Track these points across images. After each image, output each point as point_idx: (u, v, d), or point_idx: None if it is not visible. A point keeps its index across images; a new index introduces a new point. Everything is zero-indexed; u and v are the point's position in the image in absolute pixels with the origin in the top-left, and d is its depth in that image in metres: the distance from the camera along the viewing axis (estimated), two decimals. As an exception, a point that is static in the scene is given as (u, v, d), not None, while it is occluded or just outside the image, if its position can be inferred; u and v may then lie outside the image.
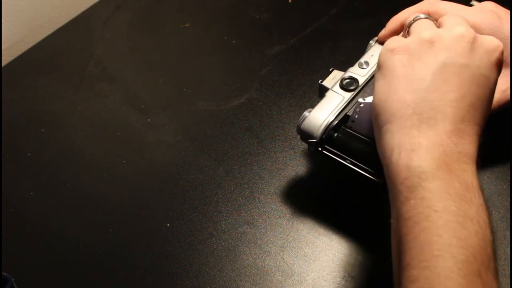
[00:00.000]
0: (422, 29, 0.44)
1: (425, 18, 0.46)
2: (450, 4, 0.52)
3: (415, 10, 0.51)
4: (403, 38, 0.44)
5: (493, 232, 0.37)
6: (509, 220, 0.52)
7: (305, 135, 0.51)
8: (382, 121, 0.42)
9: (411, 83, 0.41)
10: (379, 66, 0.44)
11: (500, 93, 0.50)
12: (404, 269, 0.36)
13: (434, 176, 0.37)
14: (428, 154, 0.38)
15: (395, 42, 0.43)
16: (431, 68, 0.41)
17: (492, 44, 0.42)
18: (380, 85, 0.43)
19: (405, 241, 0.37)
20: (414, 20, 0.46)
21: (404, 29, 0.47)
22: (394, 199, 0.39)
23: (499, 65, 0.42)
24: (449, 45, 0.41)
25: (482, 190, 0.38)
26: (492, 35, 0.49)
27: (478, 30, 0.50)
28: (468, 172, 0.38)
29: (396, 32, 0.53)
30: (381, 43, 0.55)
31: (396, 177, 0.39)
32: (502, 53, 0.43)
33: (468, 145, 0.39)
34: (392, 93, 0.41)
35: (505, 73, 0.51)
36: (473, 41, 0.42)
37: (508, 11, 0.52)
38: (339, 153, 0.50)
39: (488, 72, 0.41)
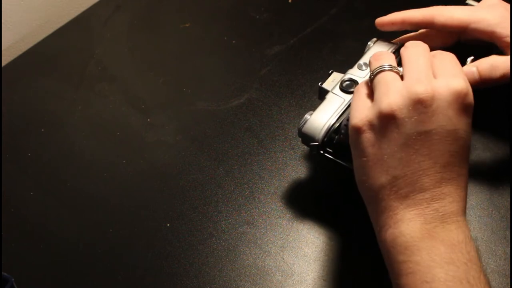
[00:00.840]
0: (381, 96, 0.42)
1: (389, 70, 0.43)
2: (457, 7, 0.52)
3: (421, 13, 0.52)
4: (366, 107, 0.43)
5: (488, 282, 0.38)
6: (509, 220, 0.52)
7: (307, 138, 0.51)
8: (366, 201, 0.44)
9: (382, 164, 0.41)
10: (351, 144, 0.44)
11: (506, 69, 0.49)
12: None
13: (418, 248, 0.39)
14: (410, 228, 0.40)
15: (359, 117, 0.43)
16: (397, 143, 0.41)
17: (454, 94, 0.40)
18: (356, 166, 0.44)
19: None
20: (376, 73, 0.44)
21: (369, 76, 0.46)
22: (391, 269, 0.41)
23: (468, 110, 0.41)
24: (408, 116, 0.40)
25: (470, 240, 0.39)
26: (501, 23, 0.49)
27: (487, 22, 0.50)
28: (452, 231, 0.39)
29: (394, 24, 0.54)
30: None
31: (387, 252, 0.41)
32: (467, 93, 0.41)
33: (451, 204, 0.40)
34: (367, 177, 0.42)
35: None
36: (432, 102, 0.40)
37: (508, 5, 0.52)
38: (340, 155, 0.50)
39: (455, 125, 0.40)
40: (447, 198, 0.40)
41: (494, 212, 0.52)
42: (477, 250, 0.39)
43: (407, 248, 0.39)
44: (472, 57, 0.51)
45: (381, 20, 0.54)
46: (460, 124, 0.41)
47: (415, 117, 0.40)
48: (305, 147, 0.57)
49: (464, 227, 0.40)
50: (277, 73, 0.67)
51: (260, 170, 0.58)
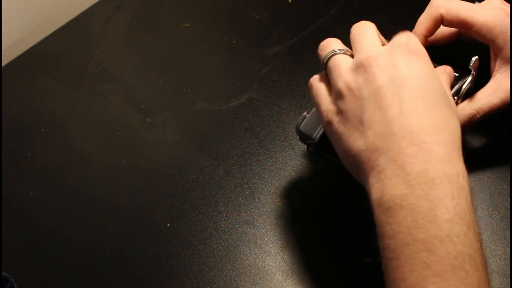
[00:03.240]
0: (336, 79, 0.44)
1: (339, 53, 0.46)
2: (460, 2, 0.52)
3: (428, 17, 0.52)
4: (325, 100, 0.45)
5: (479, 233, 0.37)
6: (509, 220, 0.52)
7: (304, 136, 0.51)
8: (354, 175, 0.44)
9: (354, 131, 0.42)
10: (327, 134, 0.46)
11: (506, 92, 0.50)
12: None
13: (401, 206, 0.38)
14: (392, 185, 0.39)
15: (323, 112, 0.45)
16: (360, 109, 0.42)
17: (396, 47, 0.43)
18: (336, 148, 0.45)
19: (386, 275, 0.39)
20: (328, 58, 0.47)
21: (323, 68, 0.48)
22: (379, 228, 0.41)
23: (416, 52, 0.42)
24: (358, 81, 0.42)
25: (459, 192, 0.38)
26: (503, 33, 0.50)
27: (489, 29, 0.50)
28: (437, 184, 0.38)
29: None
30: None
31: (375, 215, 0.40)
32: (408, 44, 0.43)
33: (435, 161, 0.38)
34: (347, 151, 0.43)
35: (509, 72, 0.51)
36: (375, 63, 0.42)
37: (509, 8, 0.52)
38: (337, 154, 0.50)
39: (406, 70, 0.41)
40: (431, 153, 0.38)
41: (494, 212, 0.52)
42: (472, 200, 0.38)
43: (389, 210, 0.38)
44: (477, 57, 0.51)
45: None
46: (413, 67, 0.41)
47: (367, 79, 0.42)
48: (305, 147, 0.57)
49: (453, 179, 0.38)
50: (277, 73, 0.67)
51: (260, 170, 0.58)
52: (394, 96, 0.40)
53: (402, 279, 0.37)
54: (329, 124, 0.44)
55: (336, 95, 0.44)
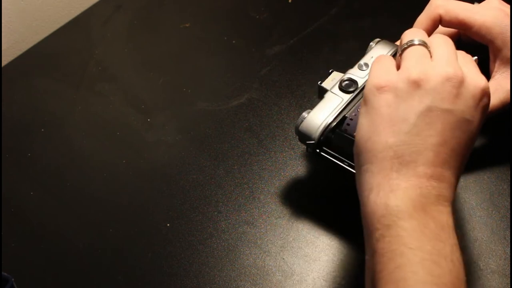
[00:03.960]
0: (412, 65, 0.42)
1: (419, 44, 0.44)
2: (459, 3, 0.52)
3: (427, 17, 0.52)
4: (391, 72, 0.43)
5: (466, 272, 0.38)
6: (509, 220, 0.52)
7: (303, 136, 0.51)
8: (363, 160, 0.42)
9: (394, 124, 0.41)
10: (364, 101, 0.43)
11: (505, 93, 0.50)
12: None
13: (410, 215, 0.38)
14: (406, 195, 0.39)
15: (382, 78, 0.42)
16: (415, 110, 0.40)
17: (479, 89, 0.41)
18: (363, 122, 0.43)
19: (379, 277, 0.38)
20: (408, 46, 0.44)
21: (398, 51, 0.46)
22: (369, 236, 0.40)
23: (484, 109, 0.42)
24: (435, 89, 0.41)
25: (456, 230, 0.39)
26: (502, 33, 0.50)
27: (488, 29, 0.50)
28: (444, 213, 0.39)
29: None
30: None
31: (373, 215, 0.40)
32: (488, 96, 0.42)
33: (447, 188, 0.40)
34: (374, 134, 0.41)
35: (508, 73, 0.51)
36: (459, 85, 0.41)
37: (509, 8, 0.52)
38: (336, 154, 0.50)
39: (472, 117, 0.41)
40: (446, 182, 0.40)
41: (494, 212, 0.52)
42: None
43: (397, 214, 0.38)
44: (476, 57, 0.51)
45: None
46: (476, 118, 0.41)
47: (441, 94, 0.40)
48: (305, 147, 0.57)
49: (452, 215, 0.40)
50: (277, 73, 0.67)
51: (260, 170, 0.58)
52: (449, 128, 0.40)
53: (403, 279, 0.36)
54: (379, 90, 0.42)
55: (404, 78, 0.42)
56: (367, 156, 0.41)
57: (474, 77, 0.42)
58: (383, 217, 0.39)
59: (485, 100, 0.42)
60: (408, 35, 0.45)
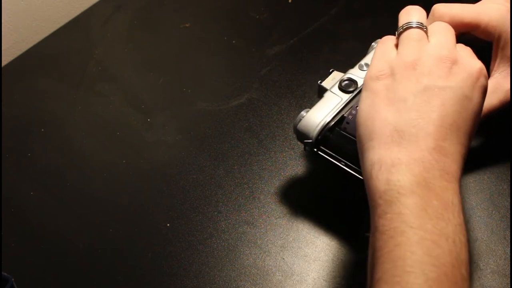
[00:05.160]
0: (408, 50, 0.44)
1: (416, 27, 0.45)
2: (461, 6, 0.52)
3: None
4: (390, 58, 0.44)
5: (469, 253, 0.37)
6: (509, 220, 0.52)
7: (301, 135, 0.51)
8: (365, 138, 0.42)
9: (393, 103, 0.41)
10: (364, 87, 0.44)
11: (504, 93, 0.50)
12: (376, 283, 0.37)
13: (412, 192, 0.38)
14: (408, 169, 0.39)
15: (381, 66, 0.44)
16: (412, 90, 0.41)
17: (475, 68, 0.42)
18: (363, 105, 0.43)
19: (378, 255, 0.37)
20: (404, 29, 0.46)
21: (396, 34, 0.47)
22: (372, 212, 0.40)
23: (483, 89, 0.43)
24: (430, 70, 0.42)
25: (462, 209, 0.39)
26: (505, 31, 0.49)
27: (494, 27, 0.50)
28: (448, 190, 0.38)
29: None
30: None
31: (375, 190, 0.39)
32: (486, 77, 0.43)
33: (451, 163, 0.39)
34: (374, 112, 0.42)
35: (508, 72, 0.51)
36: (453, 64, 0.42)
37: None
38: (334, 154, 0.50)
39: (471, 94, 0.41)
40: (449, 156, 0.39)
41: (494, 212, 0.52)
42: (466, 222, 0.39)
43: (399, 189, 0.38)
44: None
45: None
46: (476, 96, 0.42)
47: (437, 73, 0.41)
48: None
49: (459, 194, 0.39)
50: (277, 73, 0.67)
51: (260, 170, 0.58)
52: (447, 101, 0.41)
53: (401, 258, 0.36)
54: (377, 78, 0.43)
55: (401, 62, 0.43)
56: (368, 133, 0.42)
57: (469, 59, 0.43)
58: (384, 193, 0.38)
59: (482, 80, 0.42)
60: (405, 16, 0.47)
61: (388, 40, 0.47)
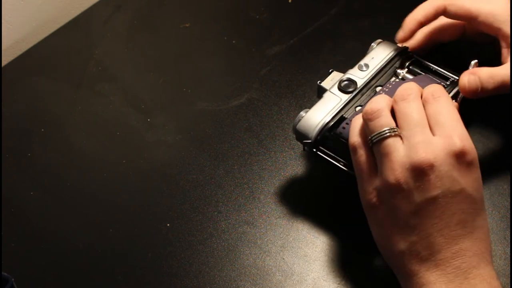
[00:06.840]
0: (386, 170, 0.42)
1: (389, 135, 0.42)
2: None
3: (430, 5, 0.52)
4: (372, 182, 0.43)
5: None
6: (509, 220, 0.52)
7: (300, 135, 0.51)
8: (391, 266, 0.44)
9: (398, 231, 0.42)
10: (366, 214, 0.45)
11: None
12: None
13: None
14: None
15: (368, 191, 0.43)
16: (408, 211, 0.41)
17: (453, 157, 0.40)
18: (374, 230, 0.45)
19: None
20: (377, 139, 0.42)
21: (369, 140, 0.43)
22: None
23: (468, 167, 0.41)
24: (414, 185, 0.41)
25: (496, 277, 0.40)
26: (508, 21, 0.49)
27: (495, 17, 0.50)
28: (477, 285, 0.40)
29: (414, 32, 0.54)
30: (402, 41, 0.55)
31: None
32: (466, 153, 0.41)
33: (471, 258, 0.40)
34: (387, 243, 0.43)
35: None
36: (432, 170, 0.40)
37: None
38: (333, 154, 0.50)
39: (460, 185, 0.41)
40: (467, 253, 0.40)
41: (494, 212, 0.52)
42: None
43: None
44: (476, 61, 0.50)
45: (401, 36, 0.55)
46: (466, 182, 0.41)
47: (421, 186, 0.40)
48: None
49: (489, 277, 0.41)
50: (277, 73, 0.67)
51: (260, 170, 0.58)
52: (445, 209, 0.41)
53: None
54: (372, 206, 0.44)
55: (385, 186, 0.42)
56: (390, 263, 0.44)
57: (445, 143, 0.41)
58: None
59: (466, 158, 0.41)
60: (376, 119, 0.43)
61: (358, 146, 0.44)
